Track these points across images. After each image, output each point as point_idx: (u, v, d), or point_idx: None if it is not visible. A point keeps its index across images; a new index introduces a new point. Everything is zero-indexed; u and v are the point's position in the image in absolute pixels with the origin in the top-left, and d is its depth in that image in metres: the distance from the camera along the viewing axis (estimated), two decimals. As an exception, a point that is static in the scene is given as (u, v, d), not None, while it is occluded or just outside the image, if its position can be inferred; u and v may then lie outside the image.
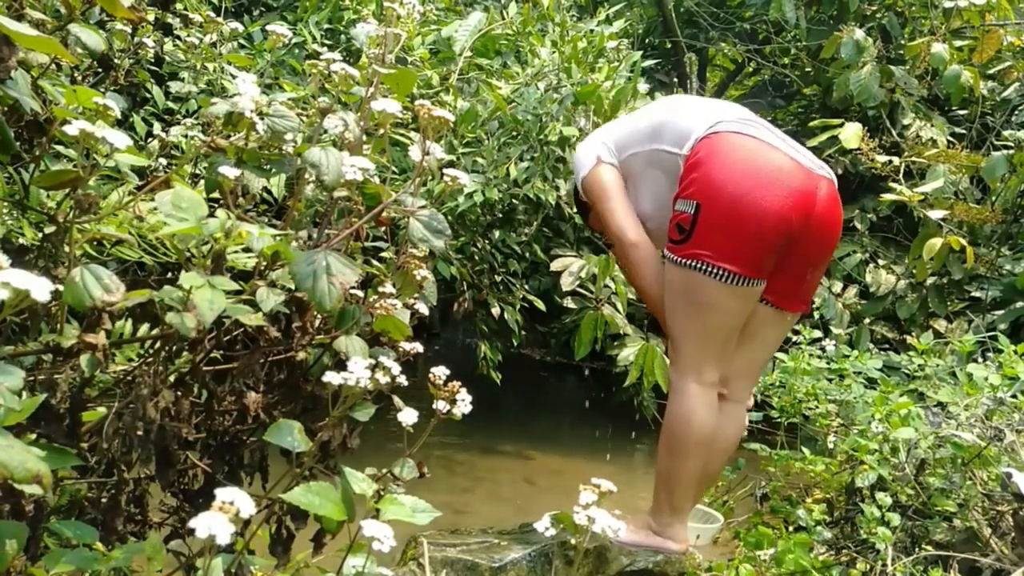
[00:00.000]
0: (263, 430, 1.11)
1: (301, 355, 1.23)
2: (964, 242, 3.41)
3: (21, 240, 1.45)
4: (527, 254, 3.62)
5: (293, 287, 1.13)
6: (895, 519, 1.84)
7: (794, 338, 2.82)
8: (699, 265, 1.74)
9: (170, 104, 2.91)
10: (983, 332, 3.44)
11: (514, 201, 3.39)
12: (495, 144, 3.25)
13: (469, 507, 2.77)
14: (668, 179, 1.87)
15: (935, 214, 3.57)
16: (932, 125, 4.29)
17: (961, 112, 4.69)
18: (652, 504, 1.91)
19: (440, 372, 1.19)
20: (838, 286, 4.23)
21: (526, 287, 3.62)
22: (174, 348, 1.18)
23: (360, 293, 1.27)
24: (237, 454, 1.28)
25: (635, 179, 1.95)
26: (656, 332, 3.34)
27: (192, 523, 0.69)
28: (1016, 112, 4.48)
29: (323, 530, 1.11)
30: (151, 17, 2.61)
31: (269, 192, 2.59)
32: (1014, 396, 2.06)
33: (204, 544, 0.72)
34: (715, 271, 1.73)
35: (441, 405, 1.16)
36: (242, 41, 3.38)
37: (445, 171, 1.27)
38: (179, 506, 1.32)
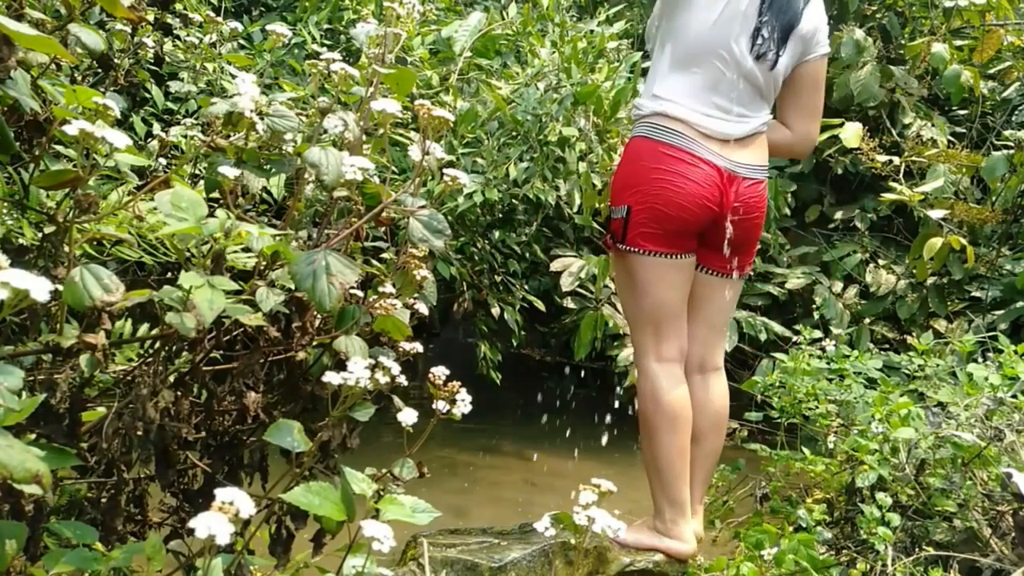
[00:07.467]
0: (263, 430, 1.11)
1: (301, 355, 1.23)
2: (964, 242, 3.41)
3: (21, 240, 1.45)
4: (527, 254, 3.62)
5: (293, 287, 1.13)
6: (895, 519, 1.84)
7: (794, 338, 2.82)
8: (634, 249, 1.87)
9: (170, 104, 2.91)
10: (983, 332, 3.43)
11: (514, 201, 3.39)
12: (495, 144, 3.25)
13: (469, 507, 2.77)
14: None
15: (935, 214, 3.57)
16: (932, 125, 4.28)
17: (961, 112, 4.68)
18: (654, 505, 1.91)
19: (440, 372, 1.19)
20: (838, 286, 4.22)
21: (526, 287, 3.62)
22: (174, 348, 1.18)
23: (360, 293, 1.27)
24: (237, 454, 1.28)
25: None
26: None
27: (192, 523, 0.69)
28: (1016, 112, 4.48)
29: (323, 530, 1.12)
30: (151, 17, 2.60)
31: (269, 192, 2.59)
32: (1014, 396, 2.06)
33: (204, 544, 0.72)
34: (647, 253, 1.87)
35: (441, 405, 1.16)
36: (242, 41, 3.38)
37: (445, 171, 1.27)
38: (179, 506, 1.32)
